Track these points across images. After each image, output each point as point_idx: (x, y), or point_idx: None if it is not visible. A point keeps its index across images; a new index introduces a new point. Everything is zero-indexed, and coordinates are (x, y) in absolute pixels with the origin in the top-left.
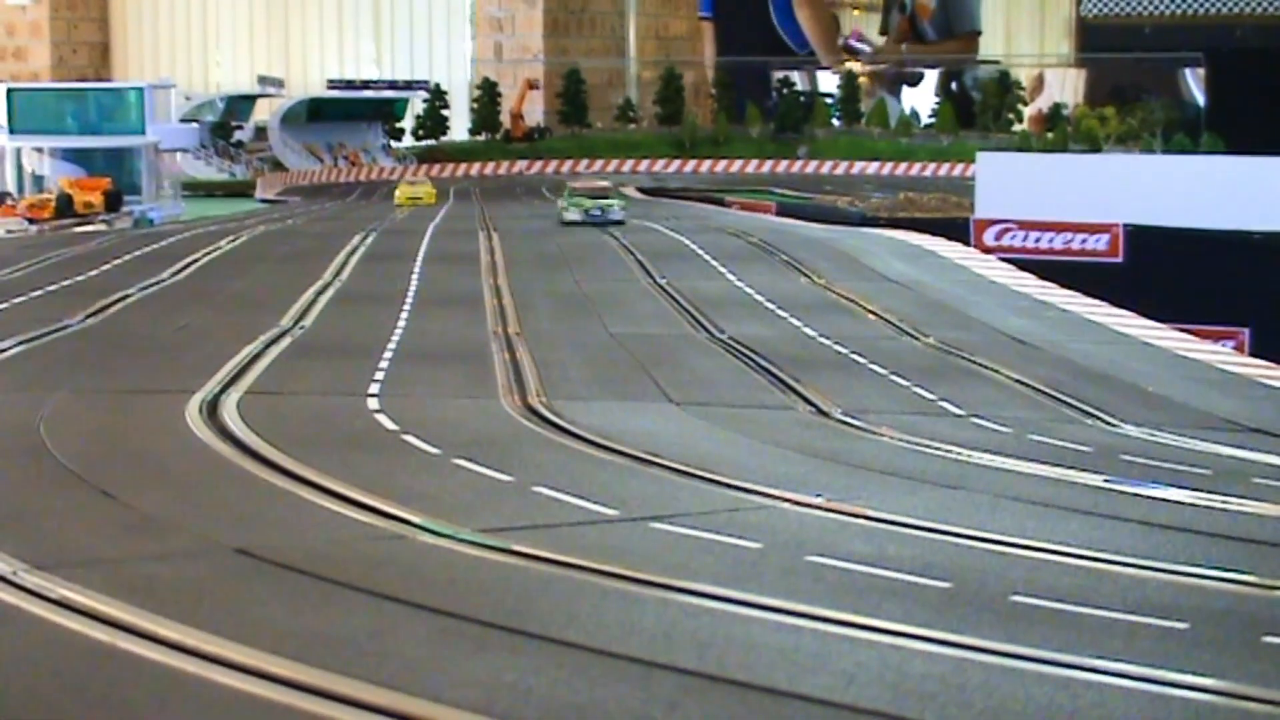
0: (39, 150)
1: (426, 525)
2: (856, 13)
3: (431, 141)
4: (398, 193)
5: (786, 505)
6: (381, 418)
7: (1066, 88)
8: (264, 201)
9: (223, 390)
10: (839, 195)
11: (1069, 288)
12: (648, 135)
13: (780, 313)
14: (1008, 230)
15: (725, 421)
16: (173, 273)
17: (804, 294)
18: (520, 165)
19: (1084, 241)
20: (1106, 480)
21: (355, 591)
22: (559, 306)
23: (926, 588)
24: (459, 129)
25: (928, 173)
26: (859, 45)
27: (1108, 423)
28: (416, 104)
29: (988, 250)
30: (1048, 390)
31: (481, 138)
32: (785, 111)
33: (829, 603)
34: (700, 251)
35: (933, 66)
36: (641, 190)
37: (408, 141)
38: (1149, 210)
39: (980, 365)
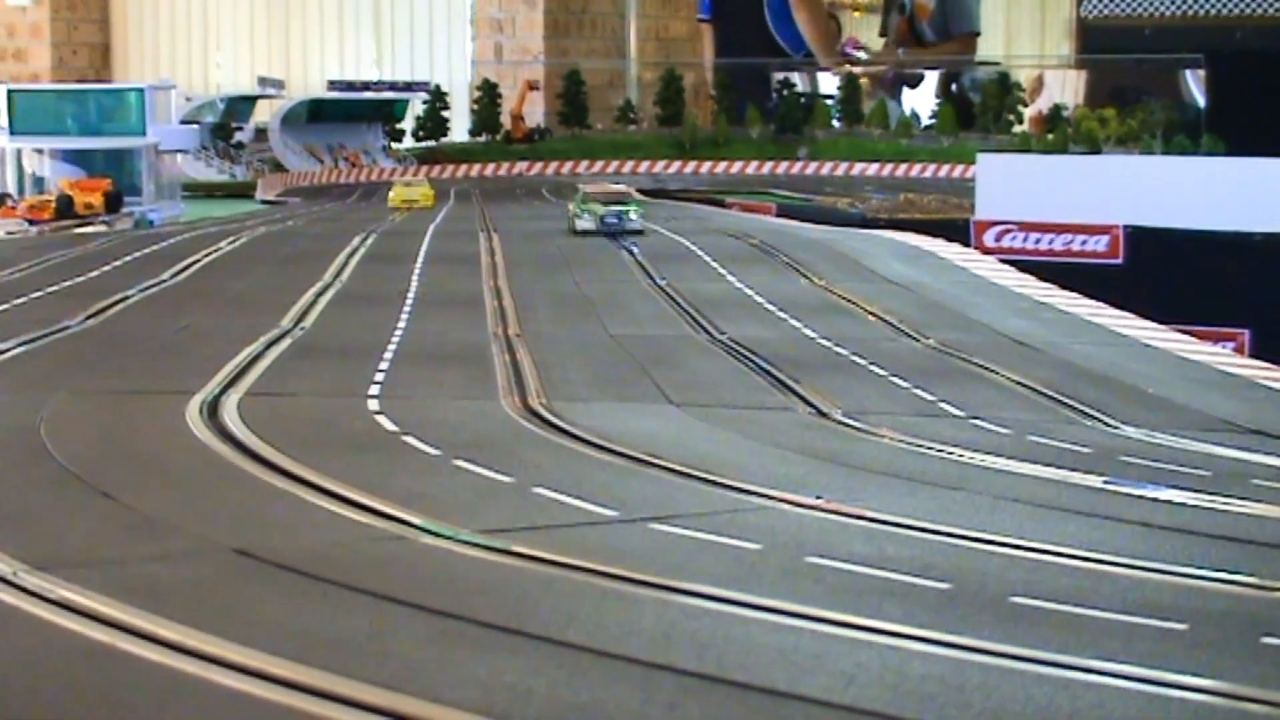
0: (39, 151)
1: (426, 526)
2: (857, 14)
3: (432, 143)
4: (392, 195)
5: (786, 506)
6: (382, 419)
7: (1067, 89)
8: (264, 203)
9: (223, 391)
10: (839, 196)
11: (1069, 289)
12: (648, 136)
13: (780, 314)
14: (1008, 231)
15: (725, 423)
16: (173, 274)
17: (804, 295)
18: (520, 166)
19: (1084, 243)
20: (1106, 481)
21: (355, 592)
22: (559, 308)
23: (926, 589)
24: (459, 130)
25: (928, 174)
26: (855, 54)
27: (1107, 424)
28: (417, 105)
29: (988, 251)
30: (1047, 392)
31: (482, 139)
32: (785, 113)
33: (828, 604)
34: (700, 253)
35: (931, 68)
36: (642, 191)
37: (408, 143)
38: (1149, 212)
39: (980, 366)
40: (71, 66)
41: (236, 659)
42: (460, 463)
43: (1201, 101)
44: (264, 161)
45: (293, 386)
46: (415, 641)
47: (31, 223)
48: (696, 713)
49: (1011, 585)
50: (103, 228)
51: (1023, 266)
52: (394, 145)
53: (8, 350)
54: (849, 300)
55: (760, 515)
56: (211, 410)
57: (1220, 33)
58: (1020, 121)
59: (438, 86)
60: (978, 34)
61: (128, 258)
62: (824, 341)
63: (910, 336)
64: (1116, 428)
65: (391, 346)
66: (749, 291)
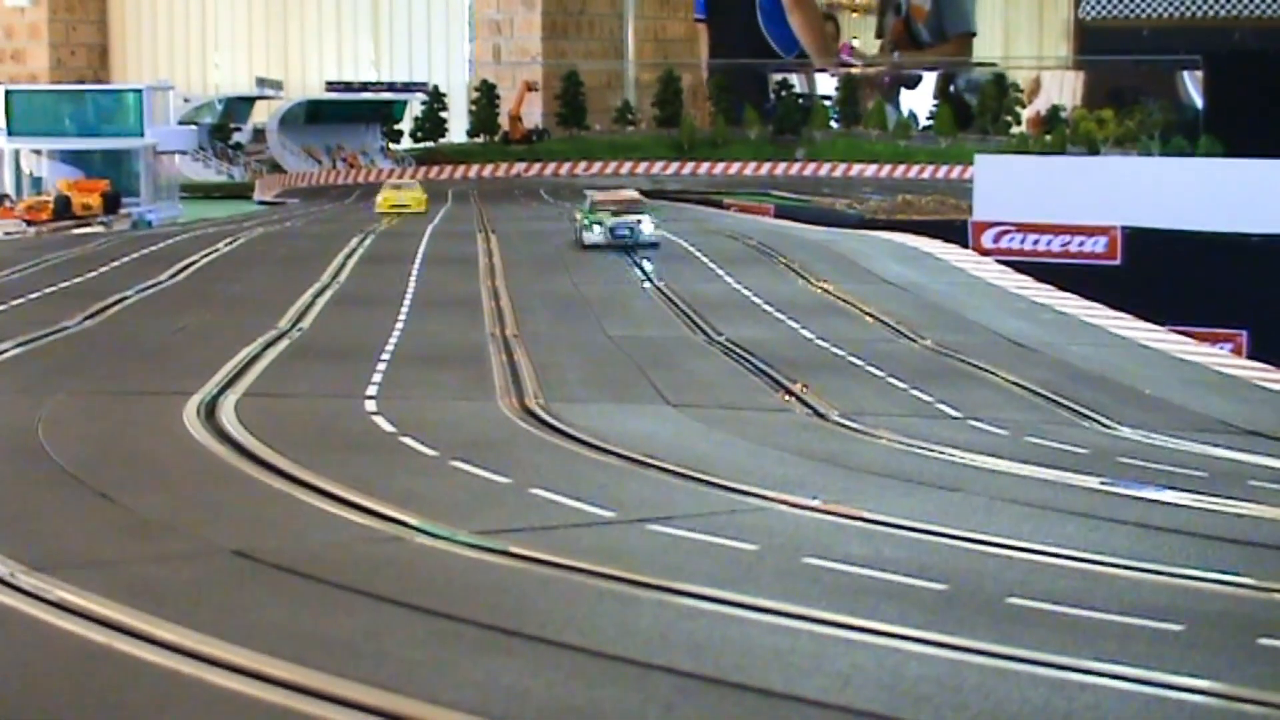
0: (37, 152)
1: (424, 527)
2: (855, 15)
3: (430, 143)
4: (379, 199)
5: (783, 507)
6: (379, 420)
7: (1064, 90)
8: (262, 203)
9: (221, 392)
10: (837, 197)
11: (1067, 290)
12: (646, 137)
13: (778, 315)
14: (1006, 232)
15: (722, 423)
16: (171, 275)
17: (801, 296)
18: (519, 167)
19: (1082, 244)
20: (1103, 483)
21: (352, 593)
22: (556, 309)
23: (923, 590)
24: (457, 131)
25: (926, 175)
26: (850, 60)
27: (1105, 425)
28: (415, 106)
29: (986, 252)
30: (1045, 393)
31: (480, 140)
32: (783, 114)
33: (825, 604)
34: (698, 253)
35: (929, 69)
36: (640, 192)
37: (406, 144)
38: (1147, 212)
39: (977, 367)
40: (69, 67)
41: (234, 660)
42: (457, 464)
43: (1199, 102)
44: (262, 162)
45: (290, 387)
46: (412, 642)
47: (29, 223)
48: (693, 713)
49: (1008, 586)
50: (100, 228)
51: (1020, 267)
52: (392, 146)
53: (6, 351)
54: (847, 301)
55: (757, 516)
56: (209, 411)
57: (1218, 34)
58: (1018, 122)
59: (436, 87)
60: (973, 34)
61: (126, 258)
62: (821, 342)
63: (908, 337)
64: (1114, 429)
65: (389, 347)
66: (747, 292)
